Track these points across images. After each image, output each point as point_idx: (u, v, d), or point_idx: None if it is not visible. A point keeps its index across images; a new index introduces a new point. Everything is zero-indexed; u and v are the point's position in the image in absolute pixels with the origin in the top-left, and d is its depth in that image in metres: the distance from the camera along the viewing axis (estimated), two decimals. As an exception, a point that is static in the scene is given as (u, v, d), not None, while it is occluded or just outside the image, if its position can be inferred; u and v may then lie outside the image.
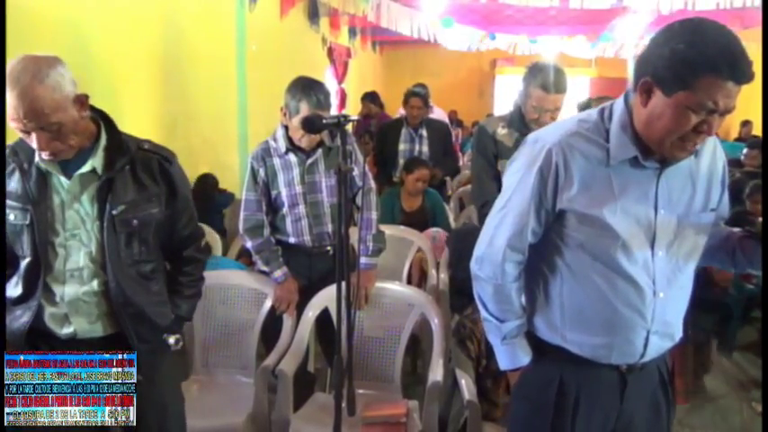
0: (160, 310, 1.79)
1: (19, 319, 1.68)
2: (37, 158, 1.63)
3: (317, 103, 2.48)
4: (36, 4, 2.41)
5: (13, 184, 1.65)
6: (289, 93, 2.54)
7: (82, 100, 1.61)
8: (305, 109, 2.47)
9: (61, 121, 1.53)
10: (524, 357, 1.61)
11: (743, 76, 1.26)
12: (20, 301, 1.68)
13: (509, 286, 1.58)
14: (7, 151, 1.68)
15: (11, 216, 1.65)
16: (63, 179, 1.65)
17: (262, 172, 2.62)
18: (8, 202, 1.65)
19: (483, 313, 1.64)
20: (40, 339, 1.69)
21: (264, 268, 2.63)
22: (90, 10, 2.74)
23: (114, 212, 1.66)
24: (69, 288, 1.67)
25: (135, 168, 1.71)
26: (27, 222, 1.64)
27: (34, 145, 1.55)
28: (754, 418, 3.34)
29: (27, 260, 1.66)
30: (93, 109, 1.70)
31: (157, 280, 1.81)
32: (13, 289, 1.69)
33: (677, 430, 3.06)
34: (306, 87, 2.51)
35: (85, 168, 1.65)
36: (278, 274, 2.61)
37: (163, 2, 3.46)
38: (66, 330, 1.69)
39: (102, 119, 1.72)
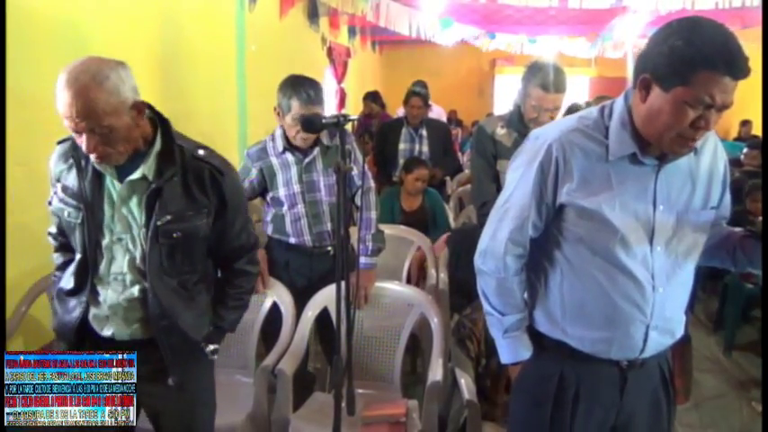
0: (196, 324, 1.76)
1: (72, 311, 1.69)
2: (92, 158, 1.62)
3: (308, 99, 2.48)
4: (35, 3, 2.41)
5: (71, 180, 1.65)
6: (280, 91, 2.55)
7: (140, 107, 1.58)
8: (296, 105, 2.48)
9: (113, 126, 1.51)
10: (525, 352, 1.63)
11: (739, 71, 1.28)
12: (72, 293, 1.70)
13: (511, 280, 1.61)
14: (68, 145, 1.67)
15: (65, 212, 1.65)
16: (116, 182, 1.64)
17: (254, 173, 2.64)
18: (64, 197, 1.65)
19: (485, 307, 1.67)
20: (86, 336, 1.70)
21: None
22: (89, 10, 2.74)
23: (159, 222, 1.63)
24: (112, 292, 1.67)
25: (186, 178, 1.67)
26: (79, 221, 1.64)
27: (83, 146, 1.53)
28: (754, 417, 3.35)
29: (79, 257, 1.67)
30: (152, 110, 1.68)
31: (199, 291, 1.78)
32: (67, 281, 1.71)
33: (677, 429, 3.06)
34: (295, 84, 2.52)
35: (136, 175, 1.62)
36: None
37: (162, 2, 3.46)
38: (106, 332, 1.69)
39: (160, 122, 1.69)
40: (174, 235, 1.65)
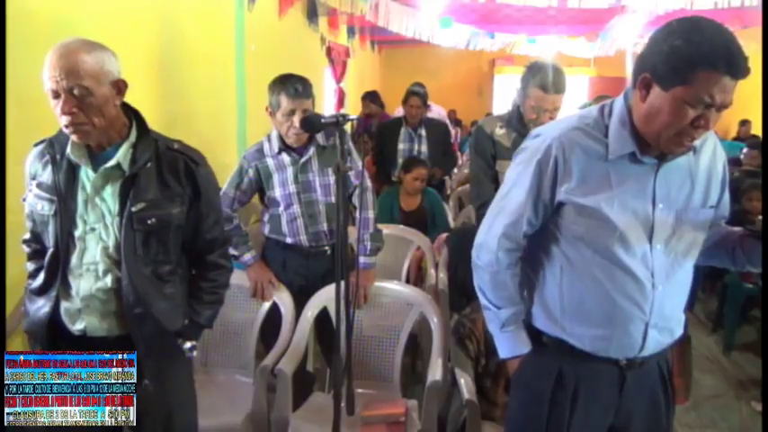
0: (170, 315, 1.76)
1: (41, 309, 1.70)
2: (68, 150, 1.65)
3: (295, 93, 2.50)
4: (35, 3, 2.41)
5: (46, 175, 1.68)
6: (269, 90, 2.58)
7: (120, 86, 1.64)
8: (285, 101, 2.51)
9: (92, 90, 1.55)
10: (523, 347, 1.65)
11: (738, 70, 1.29)
12: (41, 291, 1.71)
13: (504, 273, 1.63)
14: (43, 145, 1.71)
15: (38, 206, 1.68)
16: (90, 172, 1.67)
17: (251, 173, 2.64)
18: (38, 192, 1.68)
19: (482, 301, 1.70)
20: (57, 333, 1.70)
21: (234, 252, 2.62)
22: (89, 10, 2.74)
23: (134, 209, 1.66)
24: (84, 283, 1.68)
25: (160, 167, 1.71)
26: (52, 213, 1.66)
27: (58, 110, 1.56)
28: (754, 417, 3.35)
29: (50, 251, 1.69)
30: (128, 107, 1.72)
31: (173, 283, 1.78)
32: (37, 279, 1.72)
33: (676, 429, 3.06)
34: (282, 80, 2.55)
35: (111, 163, 1.66)
36: (247, 257, 2.64)
37: (162, 2, 3.45)
38: (78, 326, 1.70)
39: (135, 117, 1.74)
40: (149, 221, 1.68)
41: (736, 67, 1.28)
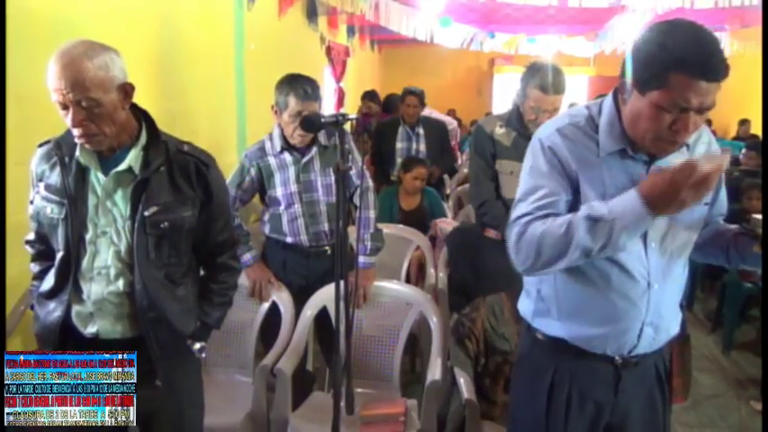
0: (183, 317, 1.76)
1: (53, 313, 1.69)
2: (77, 153, 1.63)
3: (305, 95, 2.50)
4: (35, 3, 2.41)
5: (54, 177, 1.66)
6: (277, 89, 2.57)
7: (127, 89, 1.61)
8: (293, 102, 2.50)
9: (100, 100, 1.53)
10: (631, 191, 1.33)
11: (712, 73, 1.27)
12: (52, 294, 1.69)
13: (543, 222, 1.43)
14: (49, 146, 1.69)
15: (47, 209, 1.66)
16: (100, 175, 1.65)
17: (253, 171, 2.64)
18: (47, 194, 1.66)
19: (565, 250, 1.37)
20: (69, 336, 1.69)
21: None
22: (89, 10, 2.74)
23: (146, 213, 1.64)
24: (96, 286, 1.67)
25: (172, 170, 1.70)
26: (62, 216, 1.65)
27: (68, 121, 1.54)
28: (753, 416, 3.35)
29: (61, 254, 1.67)
30: (137, 108, 1.71)
31: (185, 285, 1.78)
32: (47, 281, 1.71)
33: (675, 428, 3.07)
34: (292, 81, 2.54)
35: (122, 167, 1.64)
36: (247, 257, 2.63)
37: (161, 1, 3.45)
38: (91, 330, 1.69)
39: (144, 118, 1.72)
40: (162, 225, 1.67)
41: (711, 70, 1.27)
